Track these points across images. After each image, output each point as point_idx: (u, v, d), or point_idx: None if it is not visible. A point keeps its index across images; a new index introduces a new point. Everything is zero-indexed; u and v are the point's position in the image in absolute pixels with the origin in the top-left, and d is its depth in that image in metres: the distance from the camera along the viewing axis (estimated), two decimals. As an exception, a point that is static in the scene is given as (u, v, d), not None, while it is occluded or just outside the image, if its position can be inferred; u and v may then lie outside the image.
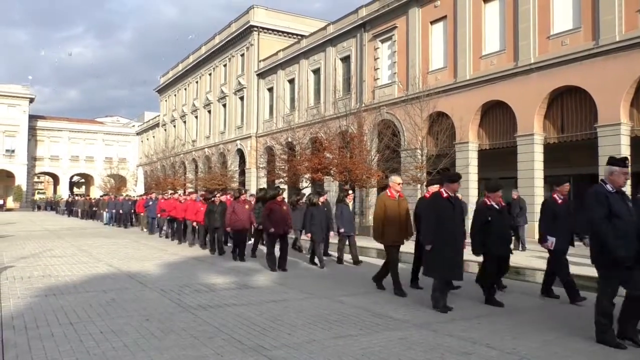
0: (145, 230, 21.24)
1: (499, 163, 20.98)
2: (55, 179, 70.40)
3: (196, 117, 49.37)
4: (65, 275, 9.13)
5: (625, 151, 16.04)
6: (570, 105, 18.06)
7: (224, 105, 43.34)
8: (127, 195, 31.89)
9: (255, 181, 36.11)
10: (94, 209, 32.26)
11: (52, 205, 56.20)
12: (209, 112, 46.25)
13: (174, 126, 54.42)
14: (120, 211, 24.63)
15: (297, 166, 23.27)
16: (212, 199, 13.36)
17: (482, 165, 21.02)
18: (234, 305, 6.67)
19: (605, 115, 16.31)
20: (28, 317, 5.93)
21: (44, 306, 6.53)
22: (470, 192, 20.44)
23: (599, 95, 16.46)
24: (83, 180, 76.65)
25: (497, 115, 20.62)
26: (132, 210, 24.20)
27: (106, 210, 26.96)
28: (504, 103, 19.71)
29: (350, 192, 12.04)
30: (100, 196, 36.38)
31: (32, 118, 65.25)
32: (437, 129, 21.02)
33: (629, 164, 5.48)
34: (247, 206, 12.23)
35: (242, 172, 38.61)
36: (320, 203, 10.93)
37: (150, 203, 20.16)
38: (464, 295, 7.44)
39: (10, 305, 6.59)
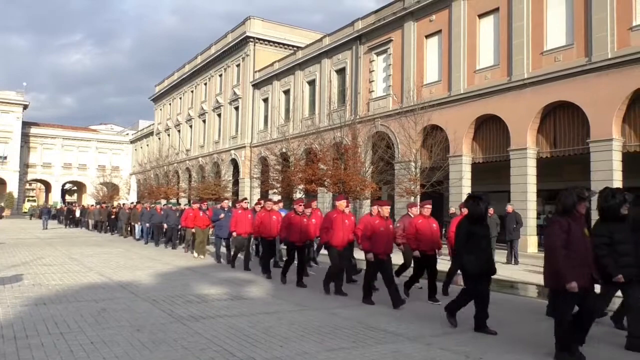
0: (196, 254, 14.86)
1: (492, 176, 21.11)
2: (48, 186, 69.97)
3: (191, 126, 49.35)
4: (55, 284, 9.04)
5: (616, 167, 16.20)
6: (563, 121, 18.23)
7: (219, 115, 43.38)
8: (172, 204, 26.79)
9: (249, 191, 36.05)
10: (113, 217, 26.78)
11: (52, 214, 51.79)
12: (204, 121, 46.27)
13: (168, 135, 54.35)
14: (165, 225, 18.78)
15: (291, 177, 23.26)
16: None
17: (475, 179, 21.11)
18: (226, 317, 6.63)
19: (597, 131, 16.46)
20: (17, 326, 5.86)
21: (33, 315, 6.45)
22: (463, 205, 20.50)
23: (592, 111, 16.62)
24: (75, 187, 76.26)
25: (490, 129, 20.76)
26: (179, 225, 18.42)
27: (139, 222, 22.02)
28: (498, 117, 19.86)
29: None
30: (127, 205, 27.94)
31: (26, 125, 65.06)
32: (431, 142, 21.11)
33: None
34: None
35: (236, 182, 38.58)
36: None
37: (222, 215, 13.47)
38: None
39: (-1, 314, 6.52)
